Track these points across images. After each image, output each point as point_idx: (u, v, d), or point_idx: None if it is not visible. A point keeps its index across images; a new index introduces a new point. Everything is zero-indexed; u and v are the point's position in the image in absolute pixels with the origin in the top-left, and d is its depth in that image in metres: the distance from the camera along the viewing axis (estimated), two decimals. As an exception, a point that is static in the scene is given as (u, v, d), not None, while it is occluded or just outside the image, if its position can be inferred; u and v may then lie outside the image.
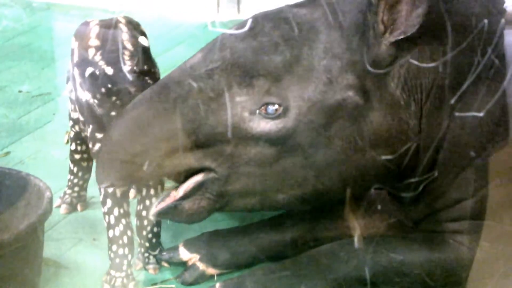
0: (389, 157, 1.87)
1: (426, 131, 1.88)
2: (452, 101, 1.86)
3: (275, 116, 1.81)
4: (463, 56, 1.85)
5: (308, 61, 1.81)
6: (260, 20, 1.88)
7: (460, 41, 1.83)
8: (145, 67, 2.05)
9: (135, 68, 2.04)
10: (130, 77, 2.01)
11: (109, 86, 2.00)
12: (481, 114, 1.87)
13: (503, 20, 1.82)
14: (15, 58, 3.95)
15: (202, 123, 1.83)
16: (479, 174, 1.93)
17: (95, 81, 2.03)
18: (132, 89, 2.00)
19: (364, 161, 1.88)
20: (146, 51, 2.09)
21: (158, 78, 2.11)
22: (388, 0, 1.78)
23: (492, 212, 1.94)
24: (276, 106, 1.81)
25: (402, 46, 1.82)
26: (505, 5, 1.94)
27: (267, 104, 1.81)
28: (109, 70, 2.04)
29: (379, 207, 2.24)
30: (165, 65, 2.22)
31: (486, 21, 1.80)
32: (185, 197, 1.92)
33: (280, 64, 1.81)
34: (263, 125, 1.82)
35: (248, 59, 1.82)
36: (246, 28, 1.86)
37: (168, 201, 1.94)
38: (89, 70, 2.05)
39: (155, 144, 1.84)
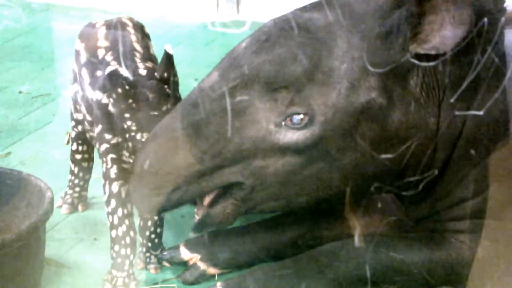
0: (408, 155, 1.87)
1: (443, 129, 1.87)
2: (468, 99, 1.86)
3: (302, 126, 1.79)
4: (474, 54, 1.81)
5: (328, 67, 1.79)
6: (273, 29, 1.85)
7: (477, 40, 1.81)
8: (166, 74, 2.04)
9: (156, 74, 2.04)
10: (149, 82, 2.01)
11: (127, 87, 2.00)
12: (489, 115, 1.86)
13: (502, 19, 1.81)
14: (15, 59, 3.95)
15: (228, 143, 1.82)
16: (484, 173, 1.93)
17: (113, 80, 2.01)
18: (150, 95, 2.00)
19: (387, 159, 1.86)
20: (170, 58, 2.07)
21: (177, 86, 2.10)
22: (425, 11, 1.73)
23: (494, 211, 1.94)
24: (302, 116, 1.79)
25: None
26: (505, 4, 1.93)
27: (292, 114, 1.79)
28: (125, 72, 2.04)
29: (379, 206, 2.24)
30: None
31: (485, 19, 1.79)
32: (211, 205, 1.93)
33: (300, 74, 1.79)
34: (289, 136, 1.80)
35: (267, 73, 1.79)
36: (260, 39, 1.84)
37: (197, 217, 1.96)
38: (109, 68, 2.03)
39: (184, 170, 1.84)
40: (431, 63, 1.80)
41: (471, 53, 1.79)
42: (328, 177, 1.87)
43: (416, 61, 1.79)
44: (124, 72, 2.02)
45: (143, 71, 2.06)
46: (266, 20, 1.91)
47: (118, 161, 2.09)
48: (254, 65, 1.81)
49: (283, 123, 1.80)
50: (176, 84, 2.08)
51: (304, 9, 1.89)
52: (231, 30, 1.84)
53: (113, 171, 2.09)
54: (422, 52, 1.77)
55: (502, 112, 1.89)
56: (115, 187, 2.10)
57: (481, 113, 1.84)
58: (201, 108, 1.83)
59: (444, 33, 1.74)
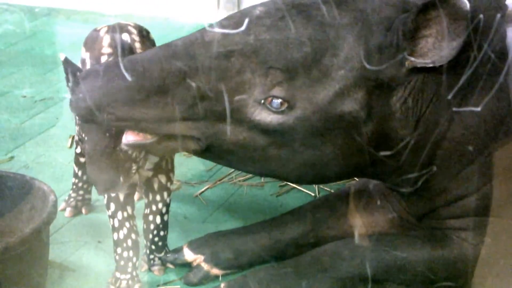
0: (368, 157, 1.90)
1: (423, 133, 1.88)
2: (455, 102, 1.86)
3: (278, 111, 1.81)
4: (466, 55, 1.82)
5: (327, 67, 1.79)
6: (290, 9, 1.83)
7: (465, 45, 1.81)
8: None
9: None
10: None
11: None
12: (483, 112, 1.86)
13: (498, 15, 1.81)
14: (17, 63, 3.96)
15: (205, 99, 1.82)
16: (481, 171, 1.92)
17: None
18: None
19: (348, 162, 1.90)
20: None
21: None
22: (420, 25, 1.74)
23: (493, 209, 1.94)
24: (282, 101, 1.80)
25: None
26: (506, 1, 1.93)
27: (275, 96, 1.80)
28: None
29: (382, 204, 2.24)
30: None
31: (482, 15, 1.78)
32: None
33: (300, 64, 1.79)
34: (264, 116, 1.82)
35: (270, 50, 1.79)
36: (276, 15, 1.82)
37: (139, 138, 1.88)
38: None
39: (153, 104, 1.80)
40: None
41: (468, 51, 1.80)
42: (283, 164, 1.90)
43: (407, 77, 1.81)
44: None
45: None
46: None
47: None
48: (261, 38, 1.80)
49: (262, 101, 1.81)
50: None
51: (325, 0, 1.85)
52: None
53: None
54: (418, 66, 1.78)
55: (497, 109, 1.88)
56: None
57: (478, 109, 1.84)
58: (195, 57, 1.81)
59: (440, 46, 1.75)
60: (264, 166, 1.94)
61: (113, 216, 2.11)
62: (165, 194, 2.18)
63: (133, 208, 2.13)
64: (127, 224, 2.11)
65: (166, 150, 1.95)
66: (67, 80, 1.96)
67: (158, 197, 2.18)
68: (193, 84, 1.81)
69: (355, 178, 2.71)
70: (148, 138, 1.88)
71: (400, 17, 1.78)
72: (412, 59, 1.78)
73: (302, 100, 1.80)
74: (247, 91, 1.81)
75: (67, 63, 1.94)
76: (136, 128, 1.86)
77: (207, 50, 1.82)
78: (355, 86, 1.80)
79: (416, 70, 1.80)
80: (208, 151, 1.92)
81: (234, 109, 1.82)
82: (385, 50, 1.79)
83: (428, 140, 1.89)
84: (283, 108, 1.81)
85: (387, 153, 1.89)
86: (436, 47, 1.76)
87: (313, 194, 2.67)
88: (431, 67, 1.78)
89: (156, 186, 2.16)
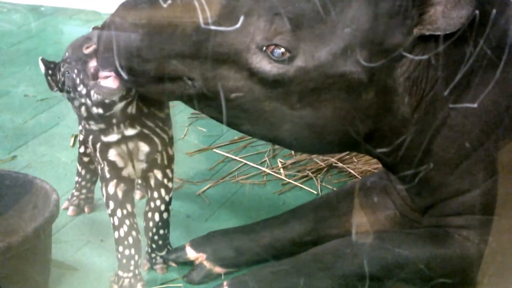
0: (375, 135, 1.89)
1: (422, 118, 1.87)
2: (457, 90, 1.85)
3: (279, 60, 1.77)
4: (471, 46, 1.82)
5: (334, 23, 1.76)
6: None
7: (469, 31, 1.80)
8: None
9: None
10: None
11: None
12: (485, 102, 1.85)
13: (494, 10, 1.80)
14: (19, 62, 3.97)
15: (210, 36, 1.79)
16: (482, 164, 1.91)
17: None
18: None
19: (346, 128, 1.87)
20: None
21: None
22: None
23: (494, 206, 1.93)
24: (283, 50, 1.77)
25: (424, 37, 1.79)
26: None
27: (276, 45, 1.77)
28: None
29: (384, 202, 2.24)
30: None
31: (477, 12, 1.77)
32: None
33: (307, 15, 1.76)
34: (263, 63, 1.78)
35: None
36: None
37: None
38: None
39: (160, 43, 1.80)
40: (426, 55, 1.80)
41: (464, 45, 1.80)
42: (279, 123, 1.87)
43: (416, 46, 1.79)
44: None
45: None
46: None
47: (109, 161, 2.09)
48: None
49: (264, 48, 1.78)
50: None
51: None
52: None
53: (106, 169, 2.09)
54: (427, 33, 1.76)
55: (500, 101, 1.87)
56: (111, 188, 2.10)
57: (475, 105, 1.84)
58: None
59: (449, 14, 1.74)
60: (260, 123, 1.89)
61: (112, 214, 2.11)
62: (163, 191, 2.17)
63: (132, 206, 2.13)
64: (127, 221, 2.11)
65: (162, 91, 1.90)
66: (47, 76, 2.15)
67: (155, 194, 2.17)
68: (200, 19, 1.78)
69: (358, 177, 2.71)
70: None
71: None
72: (420, 27, 1.77)
73: (304, 53, 1.77)
74: (250, 35, 1.78)
75: (44, 62, 2.11)
76: (157, 70, 1.85)
77: None
78: (360, 46, 1.78)
79: (423, 41, 1.79)
80: (204, 97, 1.87)
81: (236, 52, 1.80)
82: (394, 15, 1.77)
83: (428, 123, 1.88)
84: (284, 58, 1.77)
85: (386, 130, 1.88)
86: (445, 16, 1.74)
87: (315, 192, 2.68)
88: (438, 48, 1.78)
89: (152, 182, 2.16)
